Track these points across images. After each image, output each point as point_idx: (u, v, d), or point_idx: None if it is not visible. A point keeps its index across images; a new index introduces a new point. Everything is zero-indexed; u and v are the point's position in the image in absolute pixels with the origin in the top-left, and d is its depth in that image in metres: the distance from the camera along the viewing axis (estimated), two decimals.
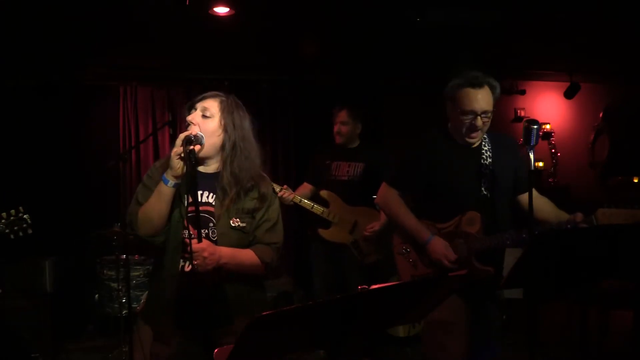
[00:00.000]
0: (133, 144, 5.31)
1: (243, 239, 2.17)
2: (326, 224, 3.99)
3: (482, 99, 2.49)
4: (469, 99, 2.49)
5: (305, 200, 3.95)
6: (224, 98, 2.17)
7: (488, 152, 2.62)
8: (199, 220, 2.07)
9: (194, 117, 2.12)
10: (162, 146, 5.46)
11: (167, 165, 2.07)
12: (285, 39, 4.59)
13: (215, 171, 2.18)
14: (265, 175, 2.25)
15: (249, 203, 2.16)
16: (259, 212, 2.18)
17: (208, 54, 4.96)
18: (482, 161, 2.60)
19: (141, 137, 5.34)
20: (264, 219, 2.19)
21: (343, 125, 4.03)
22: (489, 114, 2.52)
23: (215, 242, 2.12)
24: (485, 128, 2.55)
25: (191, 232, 2.07)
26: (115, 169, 4.37)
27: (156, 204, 2.07)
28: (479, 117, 2.49)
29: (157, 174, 2.15)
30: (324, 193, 4.01)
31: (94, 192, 5.08)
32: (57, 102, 5.12)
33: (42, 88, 5.07)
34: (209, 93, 2.18)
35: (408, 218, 2.65)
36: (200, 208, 2.09)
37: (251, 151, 2.18)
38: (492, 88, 2.52)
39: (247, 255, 2.17)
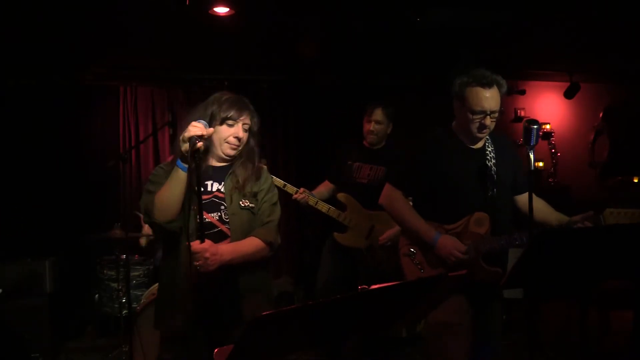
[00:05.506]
0: (133, 144, 5.31)
1: (252, 218, 2.30)
2: (342, 227, 3.87)
3: (491, 98, 2.47)
4: (479, 98, 2.47)
5: (321, 203, 3.83)
6: (252, 110, 2.33)
7: (492, 153, 2.61)
8: (202, 223, 2.08)
9: (239, 132, 2.27)
10: (162, 146, 5.45)
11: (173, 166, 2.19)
12: (285, 39, 4.58)
13: (226, 164, 2.32)
14: (263, 165, 2.46)
15: (254, 187, 2.34)
16: (261, 193, 2.35)
17: (208, 54, 4.95)
18: (487, 162, 2.59)
19: (141, 137, 5.33)
20: (265, 199, 2.36)
21: (378, 124, 3.84)
22: (497, 113, 2.51)
23: (228, 223, 2.23)
24: (492, 126, 2.54)
25: (205, 217, 2.15)
26: (115, 169, 4.35)
27: (173, 188, 2.14)
28: (487, 117, 2.48)
29: (162, 172, 2.27)
30: (341, 196, 3.89)
31: (94, 192, 5.08)
32: (57, 102, 5.12)
33: (42, 88, 5.07)
34: (245, 107, 2.30)
35: (414, 219, 2.62)
36: (212, 195, 2.25)
37: (257, 145, 2.39)
38: (499, 87, 2.51)
39: (250, 244, 2.25)
